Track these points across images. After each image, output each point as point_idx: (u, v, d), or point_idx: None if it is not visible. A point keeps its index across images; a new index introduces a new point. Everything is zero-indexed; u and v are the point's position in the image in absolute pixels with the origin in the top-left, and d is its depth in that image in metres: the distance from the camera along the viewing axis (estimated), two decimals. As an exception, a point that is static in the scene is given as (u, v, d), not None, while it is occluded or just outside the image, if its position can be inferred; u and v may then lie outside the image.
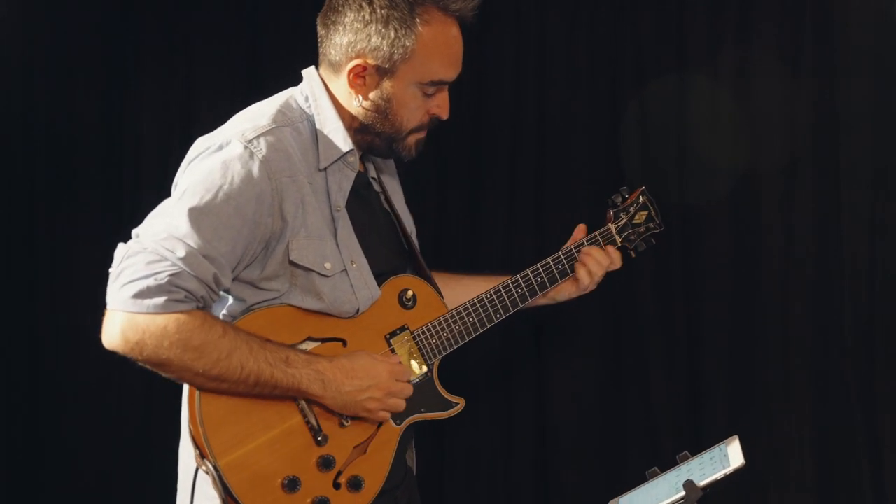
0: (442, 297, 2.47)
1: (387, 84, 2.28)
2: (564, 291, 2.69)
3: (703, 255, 3.64)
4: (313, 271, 2.22)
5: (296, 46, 3.77)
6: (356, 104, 2.31)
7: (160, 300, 2.05)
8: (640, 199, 2.85)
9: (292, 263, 2.21)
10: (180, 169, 2.27)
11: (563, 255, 2.65)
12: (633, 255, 2.83)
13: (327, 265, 2.24)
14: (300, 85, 2.39)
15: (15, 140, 4.02)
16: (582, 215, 2.81)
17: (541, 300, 2.66)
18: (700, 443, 2.29)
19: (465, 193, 3.81)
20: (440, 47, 2.28)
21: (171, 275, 2.06)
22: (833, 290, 3.51)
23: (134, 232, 2.16)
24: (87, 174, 4.08)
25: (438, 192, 3.82)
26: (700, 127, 3.57)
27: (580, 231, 2.73)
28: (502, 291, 2.54)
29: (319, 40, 2.35)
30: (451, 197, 3.81)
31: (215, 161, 2.17)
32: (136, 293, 2.05)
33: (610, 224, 2.78)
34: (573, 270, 2.64)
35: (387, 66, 2.26)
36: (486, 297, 2.51)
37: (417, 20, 2.24)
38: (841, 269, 3.50)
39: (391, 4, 2.23)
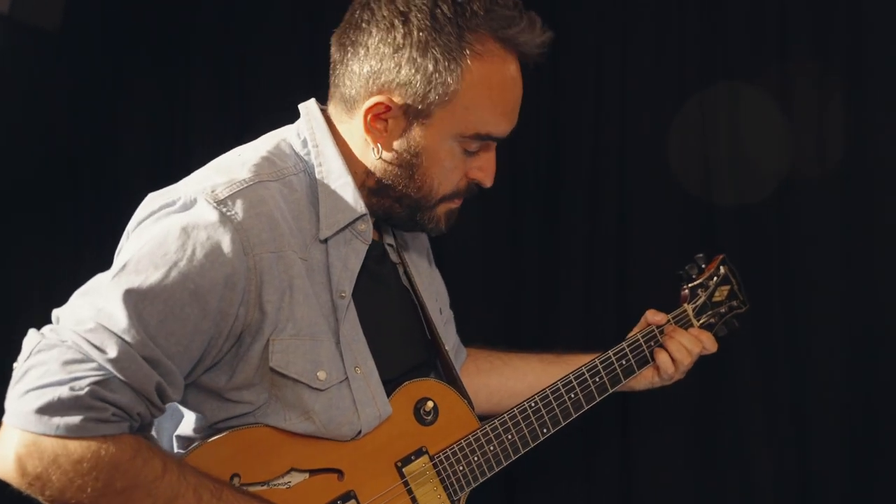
0: (472, 406, 1.87)
1: (416, 132, 1.68)
2: (644, 379, 2.12)
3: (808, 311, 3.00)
4: (301, 383, 1.62)
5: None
6: (373, 156, 1.71)
7: (75, 419, 1.44)
8: (721, 271, 2.26)
9: (274, 371, 1.60)
10: (126, 232, 1.67)
11: (629, 346, 2.06)
12: None
13: (321, 375, 1.63)
14: (296, 123, 1.79)
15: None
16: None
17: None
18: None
19: (541, 220, 3.22)
20: (493, 90, 1.68)
21: (96, 383, 1.45)
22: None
23: (54, 314, 1.55)
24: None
25: (512, 217, 3.23)
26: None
27: (654, 317, 2.13)
28: (550, 398, 1.94)
29: (332, 66, 1.74)
30: (527, 222, 3.22)
31: (172, 226, 1.57)
32: (43, 406, 1.44)
33: (686, 305, 2.19)
34: (653, 359, 2.09)
35: (419, 108, 1.66)
36: (530, 406, 1.92)
37: (467, 51, 1.63)
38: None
39: (434, 26, 1.63)
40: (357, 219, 1.71)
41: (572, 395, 1.96)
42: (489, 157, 1.75)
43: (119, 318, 1.48)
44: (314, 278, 1.66)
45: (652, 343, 2.09)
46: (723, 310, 2.24)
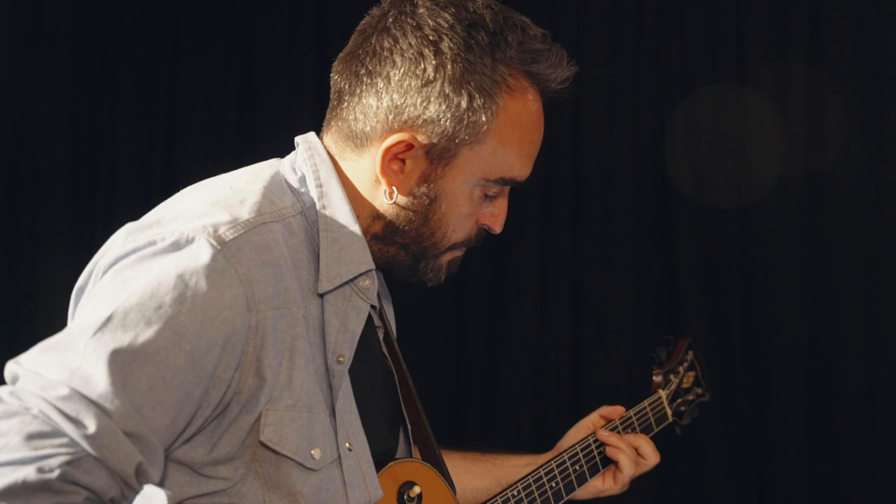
0: (454, 491, 1.68)
1: (438, 174, 1.50)
2: (593, 488, 1.95)
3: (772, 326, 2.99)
4: (293, 461, 1.39)
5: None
6: (385, 199, 1.51)
7: None
8: (688, 355, 2.16)
9: (263, 446, 1.37)
10: (95, 267, 1.41)
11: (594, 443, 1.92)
12: (678, 431, 2.12)
13: (316, 453, 1.41)
14: (290, 156, 1.58)
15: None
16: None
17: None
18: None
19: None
20: (522, 130, 1.51)
21: (67, 463, 1.19)
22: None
23: (9, 371, 1.26)
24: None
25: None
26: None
27: (611, 411, 1.99)
28: (533, 487, 1.78)
29: (337, 95, 1.54)
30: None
31: (165, 271, 1.31)
32: (3, 489, 1.17)
33: (661, 391, 2.07)
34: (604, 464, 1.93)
35: (445, 148, 1.48)
36: (513, 496, 1.74)
37: (502, 87, 1.47)
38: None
39: (468, 58, 1.45)
40: (363, 273, 1.51)
41: (553, 485, 1.80)
42: (503, 201, 1.59)
43: (99, 383, 1.22)
44: (309, 338, 1.44)
45: (631, 428, 1.96)
46: (690, 397, 2.14)
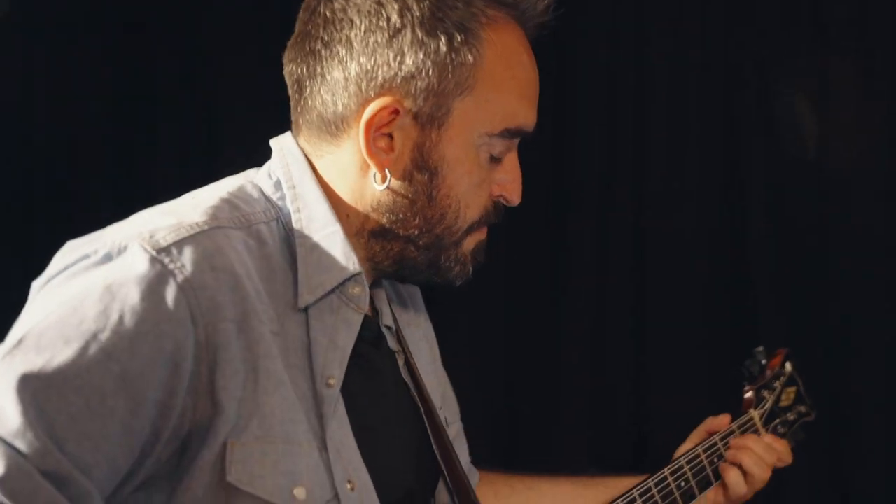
0: None
1: (433, 139, 1.27)
2: None
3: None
4: None
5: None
6: (376, 186, 1.28)
7: None
8: (787, 368, 1.86)
9: (233, 487, 1.14)
10: (32, 290, 1.23)
11: (688, 463, 1.62)
12: None
13: (299, 493, 1.18)
14: (267, 164, 1.37)
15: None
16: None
17: None
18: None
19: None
20: (515, 68, 1.30)
21: None
22: None
23: None
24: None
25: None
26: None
27: (716, 423, 1.73)
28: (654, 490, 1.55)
29: (296, 86, 1.33)
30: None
31: (91, 284, 1.13)
32: None
33: (752, 410, 1.78)
34: (717, 477, 1.68)
35: (434, 104, 1.25)
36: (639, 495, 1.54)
37: (481, 18, 1.26)
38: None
39: None
40: (348, 279, 1.27)
41: (682, 483, 1.57)
42: (512, 164, 1.34)
43: (9, 417, 1.04)
44: (289, 360, 1.22)
45: (715, 458, 1.67)
46: (791, 416, 1.83)
